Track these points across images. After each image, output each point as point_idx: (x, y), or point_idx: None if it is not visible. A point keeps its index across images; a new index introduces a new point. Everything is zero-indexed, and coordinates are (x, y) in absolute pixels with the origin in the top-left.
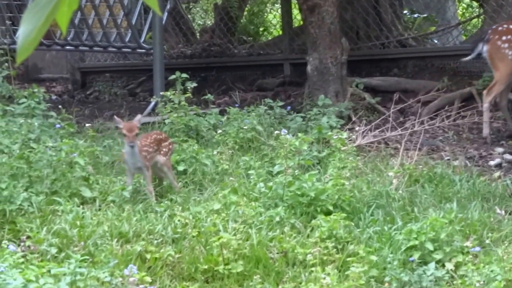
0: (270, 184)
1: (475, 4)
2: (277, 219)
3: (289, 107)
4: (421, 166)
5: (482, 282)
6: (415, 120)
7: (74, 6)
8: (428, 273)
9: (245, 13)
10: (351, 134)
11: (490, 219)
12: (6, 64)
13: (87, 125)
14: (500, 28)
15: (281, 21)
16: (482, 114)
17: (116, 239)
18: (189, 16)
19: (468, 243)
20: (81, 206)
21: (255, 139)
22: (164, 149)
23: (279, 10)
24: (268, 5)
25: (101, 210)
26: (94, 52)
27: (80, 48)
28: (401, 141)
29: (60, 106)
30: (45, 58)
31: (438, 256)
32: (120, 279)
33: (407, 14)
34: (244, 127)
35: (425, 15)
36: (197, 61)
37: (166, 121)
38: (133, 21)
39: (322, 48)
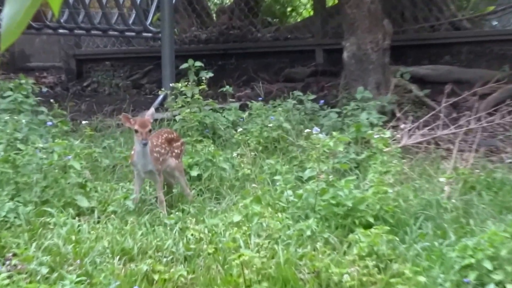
0: (300, 192)
1: None
2: (308, 233)
3: (321, 101)
4: (477, 171)
5: None
6: (470, 116)
7: None
8: None
9: None
10: (395, 132)
11: None
12: None
13: (83, 122)
14: None
15: None
16: None
17: (118, 257)
18: None
19: None
20: (76, 218)
21: (282, 139)
22: (175, 151)
23: None
24: None
25: (100, 223)
26: (91, 36)
27: (76, 31)
28: (454, 141)
29: (52, 100)
30: (34, 44)
31: (498, 276)
32: None
33: None
34: (269, 125)
35: None
36: (213, 47)
37: (177, 118)
38: (138, 0)
39: (360, 31)
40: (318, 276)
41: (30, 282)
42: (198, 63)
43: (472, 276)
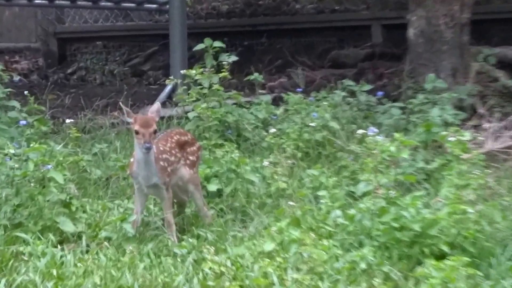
0: (352, 212)
1: None
2: (363, 266)
3: (380, 93)
4: None
5: None
6: None
7: None
8: None
9: None
10: (476, 134)
11: None
12: None
13: (68, 121)
14: None
15: None
16: None
17: None
18: None
19: None
20: (59, 247)
21: (328, 143)
22: (189, 158)
23: None
24: None
25: (90, 253)
26: (78, 8)
27: (57, 2)
28: None
29: (26, 92)
30: (2, 19)
31: None
32: None
33: None
34: (311, 124)
35: None
36: (237, 22)
37: (190, 115)
38: None
39: (431, 1)
40: None
41: None
42: (217, 43)
43: None
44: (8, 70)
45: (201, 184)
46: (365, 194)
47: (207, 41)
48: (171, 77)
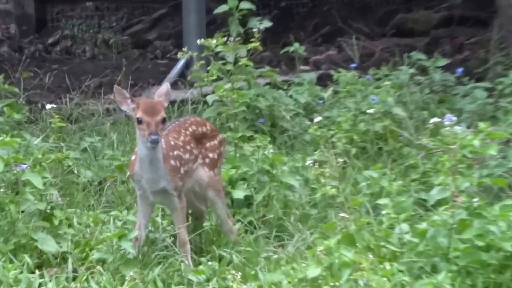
0: (422, 226)
1: None
2: None
3: (459, 70)
4: None
5: None
6: None
7: None
8: None
9: None
10: None
11: None
12: None
13: (48, 106)
14: None
15: None
16: None
17: None
18: None
19: None
20: (37, 272)
21: (391, 135)
22: (209, 155)
23: None
24: None
25: (78, 280)
26: None
27: None
28: None
29: None
30: None
31: None
32: None
33: None
34: (369, 111)
35: None
36: None
37: (210, 99)
38: None
39: None
40: None
41: None
42: (246, 4)
43: None
44: None
45: (224, 190)
46: (440, 203)
47: (232, 2)
48: (184, 49)
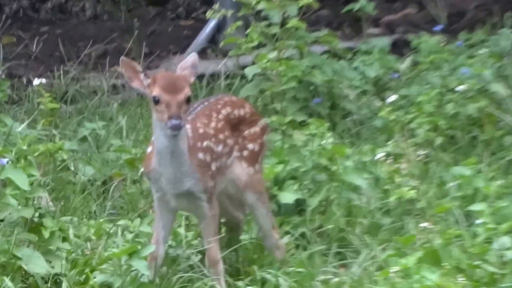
0: None
1: None
2: None
3: None
4: None
5: None
6: None
7: None
8: None
9: None
10: None
11: None
12: None
13: (36, 81)
14: None
15: None
16: None
17: None
18: None
19: None
20: None
21: (490, 120)
22: (249, 146)
23: None
24: None
25: None
26: None
27: None
28: None
29: None
30: None
31: None
32: None
33: None
34: (459, 88)
35: None
36: None
37: (249, 72)
38: None
39: None
40: None
41: None
42: None
43: None
44: None
45: (268, 192)
46: None
47: None
48: (216, 6)
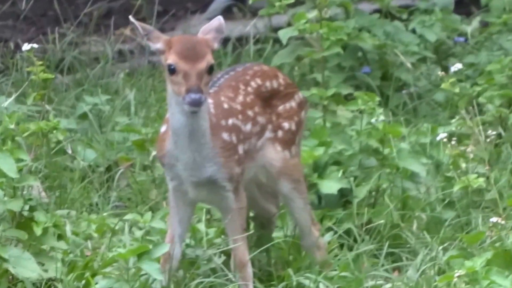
0: None
1: None
2: None
3: None
4: None
5: None
6: None
7: None
8: None
9: None
10: None
11: None
12: None
13: (26, 47)
14: None
15: None
16: None
17: None
18: None
19: None
20: None
21: None
22: (284, 125)
23: None
24: None
25: None
26: None
27: None
28: None
29: None
30: None
31: None
32: None
33: None
34: None
35: None
36: None
37: (283, 35)
38: None
39: None
40: None
41: None
42: None
43: None
44: None
45: (306, 181)
46: None
47: None
48: None
